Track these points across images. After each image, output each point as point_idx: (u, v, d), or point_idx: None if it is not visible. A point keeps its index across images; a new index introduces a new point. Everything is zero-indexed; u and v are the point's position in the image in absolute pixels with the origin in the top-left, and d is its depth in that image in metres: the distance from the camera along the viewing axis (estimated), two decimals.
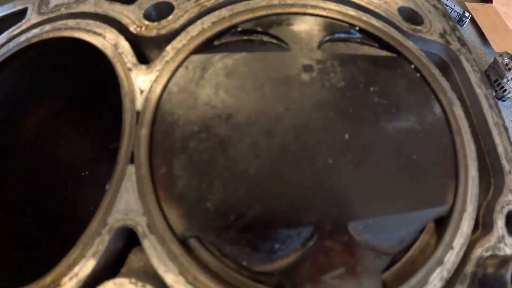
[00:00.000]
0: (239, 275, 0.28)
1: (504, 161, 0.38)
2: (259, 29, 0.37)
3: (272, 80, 0.34)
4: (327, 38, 0.38)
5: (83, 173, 0.63)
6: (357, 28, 0.39)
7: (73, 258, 0.27)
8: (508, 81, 1.50)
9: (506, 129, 0.40)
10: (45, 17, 0.39)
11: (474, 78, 0.42)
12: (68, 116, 0.55)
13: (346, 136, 0.31)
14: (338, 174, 0.29)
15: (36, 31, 0.39)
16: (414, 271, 0.30)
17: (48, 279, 0.27)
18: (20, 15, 0.42)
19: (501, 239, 0.35)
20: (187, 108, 0.32)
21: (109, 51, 0.36)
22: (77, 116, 0.55)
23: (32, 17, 0.40)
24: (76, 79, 0.51)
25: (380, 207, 0.30)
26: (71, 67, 0.47)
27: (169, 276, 0.26)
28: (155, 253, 0.27)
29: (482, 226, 0.36)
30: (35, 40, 0.39)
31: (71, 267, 0.27)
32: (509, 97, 1.60)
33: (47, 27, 0.39)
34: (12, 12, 0.42)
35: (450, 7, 1.78)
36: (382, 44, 0.39)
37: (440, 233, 0.32)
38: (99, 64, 0.36)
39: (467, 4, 1.85)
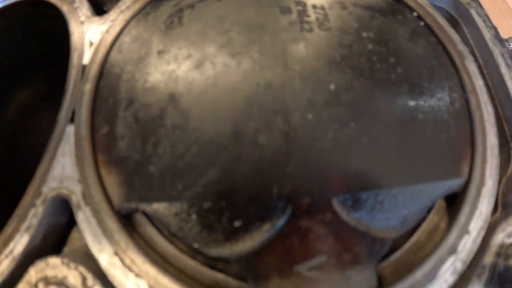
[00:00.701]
0: (192, 260, 0.21)
1: None
2: None
3: (240, 24, 0.27)
4: None
5: None
6: None
7: (9, 233, 0.23)
8: None
9: None
10: None
11: (487, 34, 0.35)
12: (51, 99, 0.51)
13: (332, 86, 0.24)
14: (321, 133, 0.22)
15: None
16: (420, 261, 0.23)
17: None
18: None
19: None
20: (139, 58, 0.27)
21: (65, 7, 0.32)
22: (59, 99, 0.52)
23: None
24: (55, 57, 0.46)
25: (376, 177, 0.23)
26: (46, 39, 0.43)
27: (103, 257, 0.21)
28: (89, 229, 0.22)
29: (502, 206, 0.29)
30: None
31: (6, 243, 0.23)
32: None
33: None
34: None
35: None
36: None
37: (453, 214, 0.25)
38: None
39: None
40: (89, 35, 0.29)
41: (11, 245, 0.22)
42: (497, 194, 0.29)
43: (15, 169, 0.47)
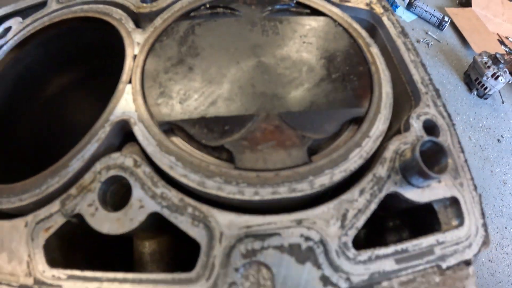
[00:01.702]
0: (200, 152, 0.38)
1: (420, 85, 0.47)
2: (221, 4, 0.52)
3: (227, 33, 0.47)
4: (269, 8, 0.51)
5: None
6: (294, 0, 0.53)
7: (81, 146, 0.39)
8: (488, 78, 1.57)
9: (423, 64, 0.50)
10: (63, 5, 0.55)
11: (394, 31, 0.53)
12: (84, 87, 0.66)
13: (278, 62, 0.43)
14: (274, 84, 0.41)
15: (56, 14, 0.54)
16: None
17: (60, 163, 0.38)
18: (42, 5, 0.56)
19: (420, 138, 0.43)
20: (170, 50, 0.47)
21: (115, 22, 0.51)
22: (91, 88, 0.64)
23: (52, 5, 0.56)
24: (91, 56, 0.62)
25: (305, 104, 0.40)
26: (86, 45, 0.58)
27: (150, 147, 0.38)
28: (141, 134, 0.39)
29: (404, 131, 0.44)
30: (56, 20, 0.54)
31: (79, 151, 0.38)
32: (490, 94, 1.65)
33: (65, 11, 0.54)
34: (35, 3, 0.57)
35: (430, 12, 1.91)
36: (313, 10, 0.52)
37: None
38: (109, 42, 0.51)
39: (447, 9, 1.99)
40: (136, 39, 0.49)
41: (83, 152, 0.38)
42: (401, 125, 0.45)
43: (51, 144, 0.58)
